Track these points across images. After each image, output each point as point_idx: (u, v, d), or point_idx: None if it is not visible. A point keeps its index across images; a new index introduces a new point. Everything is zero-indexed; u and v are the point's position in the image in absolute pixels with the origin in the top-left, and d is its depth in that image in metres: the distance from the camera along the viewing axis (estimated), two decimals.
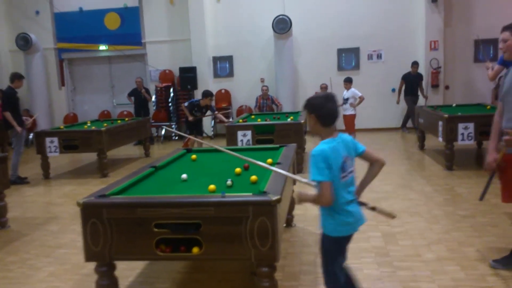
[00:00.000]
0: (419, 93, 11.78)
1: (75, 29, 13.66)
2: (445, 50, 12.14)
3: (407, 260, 4.04)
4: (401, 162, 8.35)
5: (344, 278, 2.89)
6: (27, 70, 13.10)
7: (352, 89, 9.88)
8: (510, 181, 3.52)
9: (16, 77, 8.10)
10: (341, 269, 2.89)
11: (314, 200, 2.70)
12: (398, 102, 11.88)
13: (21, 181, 8.08)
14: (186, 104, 9.05)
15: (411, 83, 11.61)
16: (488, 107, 8.74)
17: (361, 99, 9.77)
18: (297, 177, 3.03)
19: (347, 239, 2.86)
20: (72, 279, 4.05)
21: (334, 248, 2.84)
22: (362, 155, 2.86)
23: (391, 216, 2.82)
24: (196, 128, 9.03)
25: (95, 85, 14.25)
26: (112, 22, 13.57)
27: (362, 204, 2.88)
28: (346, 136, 2.84)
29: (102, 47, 13.67)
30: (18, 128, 7.92)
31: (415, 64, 11.60)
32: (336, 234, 2.79)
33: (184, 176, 3.79)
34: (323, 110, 2.74)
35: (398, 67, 12.42)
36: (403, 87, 11.83)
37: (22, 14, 13.75)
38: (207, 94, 8.90)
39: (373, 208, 2.84)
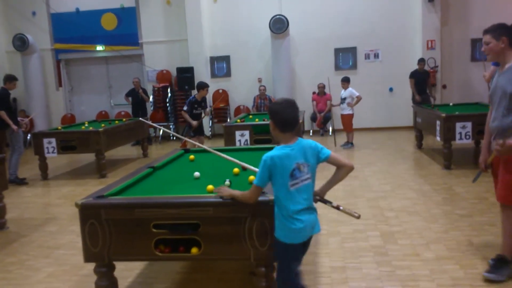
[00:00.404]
0: (428, 91, 11.33)
1: (72, 30, 13.62)
2: (442, 49, 12.17)
3: (406, 259, 4.05)
4: (399, 162, 8.36)
5: (299, 284, 2.88)
6: (24, 71, 13.07)
7: (350, 89, 9.92)
8: (501, 181, 3.54)
9: (8, 79, 8.11)
10: (296, 274, 2.86)
11: (239, 197, 2.88)
12: (418, 100, 10.87)
13: (20, 181, 8.07)
14: (185, 108, 8.49)
15: (419, 80, 11.08)
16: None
17: (359, 98, 9.81)
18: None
19: (299, 246, 2.81)
20: (71, 280, 4.04)
21: (285, 254, 2.82)
22: (328, 161, 2.85)
23: (355, 215, 2.84)
24: (198, 129, 8.58)
25: (93, 85, 14.22)
26: (109, 23, 13.54)
27: (326, 202, 2.90)
28: (307, 142, 2.83)
29: (99, 48, 13.65)
30: (14, 127, 7.90)
31: (421, 61, 11.17)
32: (286, 241, 2.78)
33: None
34: (281, 116, 2.75)
35: (395, 66, 12.45)
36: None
37: (19, 15, 13.71)
38: (202, 85, 8.49)
39: (337, 207, 2.88)
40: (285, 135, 2.77)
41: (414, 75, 11.17)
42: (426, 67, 11.82)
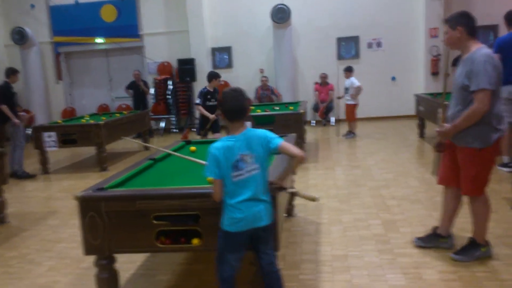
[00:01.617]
0: None
1: (71, 22, 13.55)
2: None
3: (407, 247, 4.03)
4: (401, 150, 8.32)
5: (227, 276, 2.88)
6: (23, 64, 13.03)
7: (351, 79, 9.86)
8: (465, 176, 3.62)
9: (11, 72, 8.06)
10: (229, 266, 2.86)
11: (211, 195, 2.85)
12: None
13: (28, 175, 8.05)
14: (198, 101, 7.80)
15: None
16: None
17: (358, 89, 9.74)
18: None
19: (237, 236, 2.80)
20: (73, 273, 4.04)
21: (224, 242, 2.85)
22: (279, 150, 2.81)
23: (312, 199, 2.85)
24: (215, 125, 7.79)
25: (93, 78, 14.18)
26: (108, 14, 13.47)
27: (282, 189, 2.89)
28: (255, 132, 2.81)
29: (99, 40, 13.59)
30: (16, 120, 7.89)
31: None
32: (226, 228, 2.80)
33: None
34: (227, 105, 2.77)
35: (398, 55, 12.37)
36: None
37: (17, 8, 13.65)
38: (213, 75, 7.85)
39: (294, 193, 2.87)
40: (233, 124, 2.79)
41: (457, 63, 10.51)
42: (428, 55, 11.72)
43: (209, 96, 7.82)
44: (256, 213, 2.78)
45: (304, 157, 2.83)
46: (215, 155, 2.73)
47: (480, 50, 3.47)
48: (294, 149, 2.81)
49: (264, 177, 2.84)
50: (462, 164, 3.61)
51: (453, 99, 3.64)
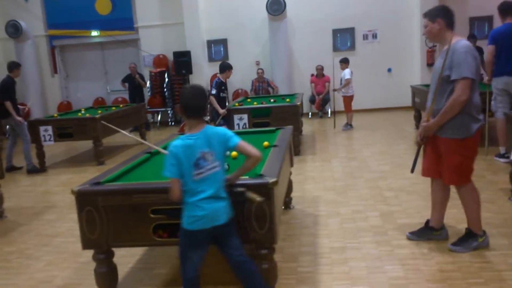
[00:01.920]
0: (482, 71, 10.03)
1: (66, 15, 13.45)
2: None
3: (405, 239, 4.04)
4: (398, 142, 8.33)
5: (191, 275, 2.88)
6: (18, 58, 12.86)
7: (344, 70, 9.89)
8: (448, 165, 3.67)
9: (14, 66, 7.94)
10: (192, 264, 2.86)
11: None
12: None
13: (39, 169, 8.01)
14: (214, 91, 7.49)
15: None
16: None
17: (347, 81, 9.82)
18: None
19: (198, 234, 2.81)
20: (71, 268, 4.04)
21: (185, 240, 2.85)
22: (236, 149, 2.83)
23: (257, 201, 2.85)
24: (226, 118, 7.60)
25: (88, 71, 14.10)
26: (103, 7, 13.37)
27: (233, 188, 2.88)
28: (214, 130, 2.82)
29: (94, 33, 13.51)
30: (19, 118, 7.84)
31: (471, 37, 10.05)
32: (186, 227, 2.80)
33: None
34: (185, 102, 2.79)
35: (393, 46, 12.35)
36: None
37: (11, 1, 13.52)
38: (228, 66, 7.62)
39: (241, 193, 2.87)
40: (190, 121, 2.80)
41: None
42: (424, 47, 11.68)
43: (223, 87, 7.75)
44: (217, 211, 2.78)
45: (260, 157, 2.81)
46: (176, 153, 2.72)
47: (460, 42, 3.54)
48: (251, 149, 2.80)
49: (223, 174, 2.85)
50: (446, 155, 3.65)
51: (434, 92, 3.67)
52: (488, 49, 6.47)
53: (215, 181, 2.78)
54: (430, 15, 3.66)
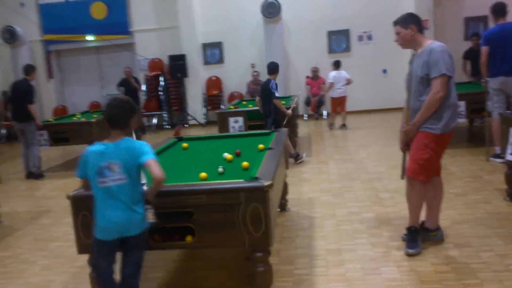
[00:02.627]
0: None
1: (61, 20, 13.46)
2: (435, 29, 12.08)
3: (400, 240, 4.04)
4: (393, 143, 8.30)
5: (102, 280, 2.89)
6: (14, 63, 12.92)
7: (330, 73, 10.23)
8: (412, 156, 3.76)
9: (31, 70, 7.85)
10: (103, 270, 2.87)
11: None
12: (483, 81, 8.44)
13: (42, 174, 7.93)
14: (277, 94, 6.98)
15: (475, 61, 8.71)
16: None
17: (329, 84, 10.19)
18: None
19: (105, 244, 2.82)
20: (67, 272, 4.03)
21: (95, 248, 2.88)
22: (144, 166, 2.80)
23: (152, 220, 2.85)
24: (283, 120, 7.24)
25: (84, 76, 14.10)
26: (98, 12, 13.38)
27: (147, 204, 2.87)
28: (131, 143, 2.85)
29: (90, 38, 13.51)
30: (40, 123, 7.81)
31: (474, 35, 9.62)
32: (95, 235, 2.85)
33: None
34: (104, 113, 2.92)
35: (388, 47, 12.34)
36: (470, 68, 9.72)
37: (6, 6, 13.51)
38: (277, 67, 7.21)
39: (145, 209, 2.85)
40: (111, 131, 2.88)
41: (469, 55, 9.61)
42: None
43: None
44: (125, 223, 2.78)
45: (162, 179, 2.73)
46: (85, 156, 2.84)
47: (434, 43, 3.67)
48: (156, 170, 2.72)
49: (135, 188, 2.82)
50: (417, 146, 3.70)
51: (412, 93, 3.75)
52: (482, 50, 6.49)
53: (122, 193, 2.76)
54: (403, 22, 3.79)
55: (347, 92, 10.38)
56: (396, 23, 3.86)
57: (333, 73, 10.15)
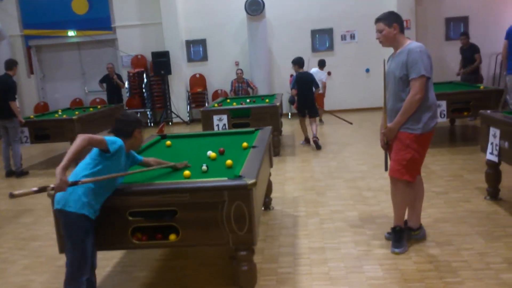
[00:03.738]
0: (481, 70, 10.54)
1: (42, 15, 13.26)
2: (417, 29, 12.20)
3: (384, 239, 4.08)
4: (376, 142, 8.31)
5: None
6: None
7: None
8: (394, 157, 3.79)
9: (13, 64, 7.70)
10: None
11: None
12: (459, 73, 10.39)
13: (23, 172, 7.79)
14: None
15: (465, 59, 10.19)
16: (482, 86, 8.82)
17: (324, 84, 10.49)
18: None
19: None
20: (48, 272, 3.98)
21: (90, 233, 3.02)
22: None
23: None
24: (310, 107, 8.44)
25: (65, 72, 13.91)
26: (80, 7, 13.21)
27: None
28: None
29: (71, 33, 13.33)
30: (22, 120, 7.69)
31: (463, 35, 10.32)
32: (92, 217, 3.02)
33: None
34: (112, 126, 3.31)
35: (371, 47, 12.41)
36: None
37: None
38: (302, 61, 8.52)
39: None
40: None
41: (460, 53, 10.38)
42: None
43: None
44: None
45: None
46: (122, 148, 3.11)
47: (412, 43, 3.71)
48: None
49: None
50: (399, 147, 3.72)
51: (391, 93, 3.76)
52: (503, 43, 6.72)
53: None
54: (387, 20, 3.78)
55: (324, 91, 10.68)
56: (378, 19, 3.85)
57: (314, 70, 10.25)
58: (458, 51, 10.47)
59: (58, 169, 2.76)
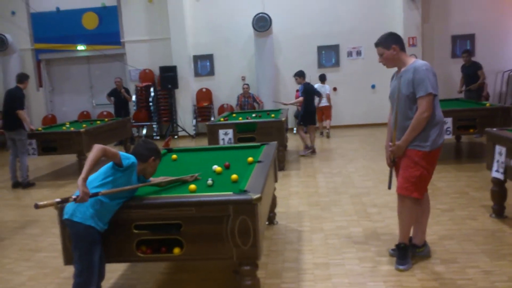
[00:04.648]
0: (487, 87, 10.74)
1: (52, 29, 13.45)
2: (423, 46, 12.26)
3: (388, 255, 4.07)
4: (381, 157, 8.32)
5: None
6: (3, 71, 12.87)
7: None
8: (402, 174, 3.78)
9: (25, 78, 7.83)
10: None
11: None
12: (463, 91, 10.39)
13: (30, 183, 7.83)
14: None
15: (466, 76, 10.23)
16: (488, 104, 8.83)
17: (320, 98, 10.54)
18: None
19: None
20: (53, 283, 3.99)
21: (97, 244, 3.08)
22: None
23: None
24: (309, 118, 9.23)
25: (74, 85, 14.05)
26: (90, 22, 13.39)
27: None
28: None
29: (80, 47, 13.50)
30: (32, 127, 7.81)
31: (465, 52, 10.35)
32: (101, 230, 3.07)
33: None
34: (133, 149, 3.39)
35: (377, 63, 12.43)
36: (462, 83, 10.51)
37: None
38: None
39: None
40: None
41: (462, 71, 10.43)
42: None
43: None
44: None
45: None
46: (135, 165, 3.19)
47: (418, 61, 3.76)
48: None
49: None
50: (407, 164, 3.72)
51: (400, 112, 3.76)
52: None
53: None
54: (385, 43, 3.84)
55: (329, 103, 11.15)
56: (377, 44, 3.92)
57: (317, 85, 10.60)
58: (460, 69, 10.56)
59: (80, 181, 2.83)
